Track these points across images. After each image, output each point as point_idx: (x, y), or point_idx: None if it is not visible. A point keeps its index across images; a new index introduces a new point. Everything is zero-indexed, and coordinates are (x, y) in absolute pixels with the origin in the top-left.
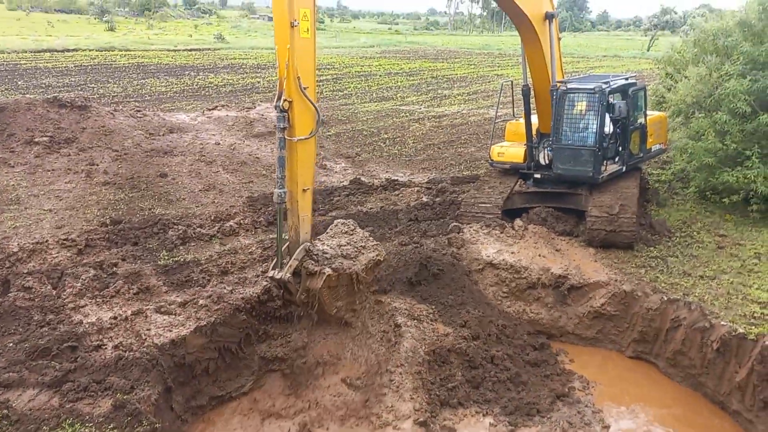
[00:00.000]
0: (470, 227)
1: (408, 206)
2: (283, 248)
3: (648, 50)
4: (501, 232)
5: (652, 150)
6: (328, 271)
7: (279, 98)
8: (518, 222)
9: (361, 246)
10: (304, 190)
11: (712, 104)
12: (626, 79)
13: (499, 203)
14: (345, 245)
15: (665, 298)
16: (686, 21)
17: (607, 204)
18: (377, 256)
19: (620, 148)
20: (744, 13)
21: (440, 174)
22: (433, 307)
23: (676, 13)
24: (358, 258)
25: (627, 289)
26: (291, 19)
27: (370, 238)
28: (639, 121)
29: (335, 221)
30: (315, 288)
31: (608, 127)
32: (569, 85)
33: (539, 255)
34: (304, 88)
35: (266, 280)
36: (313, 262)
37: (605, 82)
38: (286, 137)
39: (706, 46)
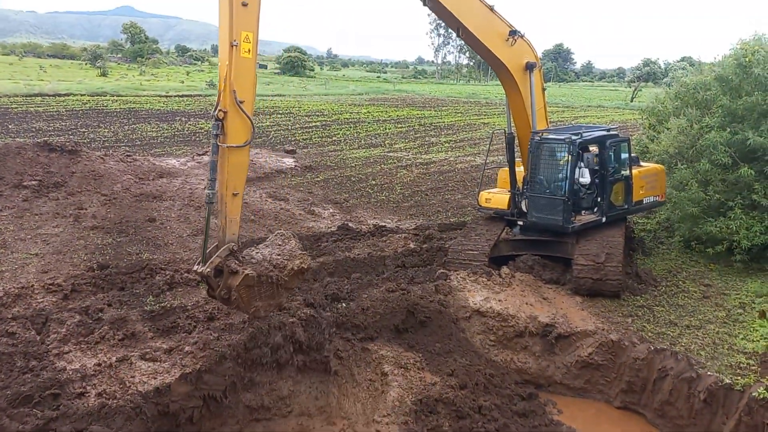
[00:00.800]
0: (457, 274)
1: (395, 252)
2: (210, 248)
3: (631, 101)
4: (488, 280)
5: (644, 202)
6: (248, 271)
7: (216, 108)
8: (505, 269)
9: (290, 255)
10: (233, 194)
11: (694, 155)
12: (607, 130)
13: (486, 250)
14: (275, 253)
15: (652, 348)
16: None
17: (593, 252)
18: (301, 263)
19: (599, 199)
20: (721, 69)
21: (427, 220)
22: (420, 355)
23: (657, 65)
24: (285, 264)
25: (614, 339)
26: (231, 39)
27: (300, 248)
28: (622, 173)
29: (275, 232)
30: (233, 286)
31: (585, 178)
32: (544, 135)
33: (526, 303)
34: (240, 102)
35: (191, 274)
36: (236, 261)
37: (577, 133)
38: (218, 144)
39: (687, 98)
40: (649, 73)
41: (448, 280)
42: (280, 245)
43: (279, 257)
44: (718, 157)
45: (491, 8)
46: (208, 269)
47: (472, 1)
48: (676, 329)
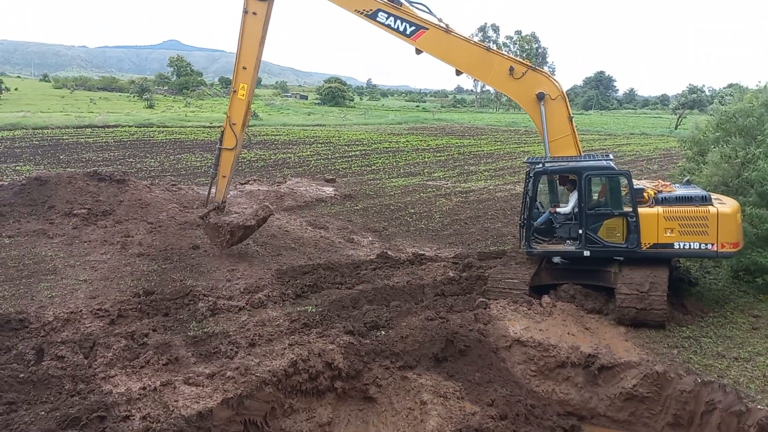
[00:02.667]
0: (497, 303)
1: (434, 281)
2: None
3: (676, 128)
4: (529, 309)
5: (677, 247)
6: (212, 220)
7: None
8: (546, 299)
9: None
10: (223, 176)
11: (739, 185)
12: (607, 160)
13: (526, 279)
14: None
15: (699, 380)
16: (714, 100)
17: (637, 281)
18: (264, 213)
19: (579, 231)
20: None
21: (467, 249)
22: (460, 384)
23: (703, 92)
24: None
25: (659, 370)
26: (233, 87)
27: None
28: (612, 209)
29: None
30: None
31: (565, 208)
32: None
33: (568, 333)
34: (233, 124)
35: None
36: (215, 214)
37: (540, 162)
38: (218, 147)
39: (729, 127)
40: (694, 101)
41: (488, 309)
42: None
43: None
44: (767, 190)
45: (487, 48)
46: (200, 215)
47: (462, 47)
48: (724, 361)
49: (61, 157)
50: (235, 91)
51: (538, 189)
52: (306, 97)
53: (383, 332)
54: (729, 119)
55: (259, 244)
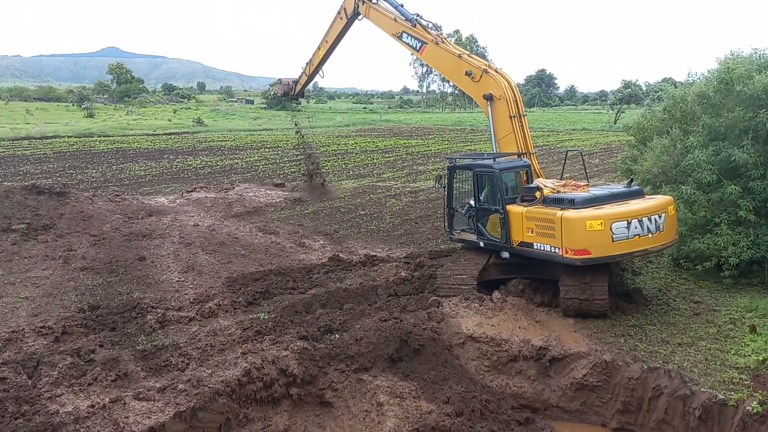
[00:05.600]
0: (450, 301)
1: (387, 281)
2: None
3: (615, 123)
4: (480, 305)
5: (536, 248)
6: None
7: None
8: (497, 294)
9: None
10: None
11: (678, 174)
12: (519, 156)
13: (474, 275)
14: None
15: (645, 367)
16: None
17: (579, 273)
18: None
19: (475, 223)
20: (703, 86)
21: (418, 248)
22: (416, 383)
23: (639, 87)
24: None
25: (608, 359)
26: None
27: None
28: (492, 206)
29: None
30: None
31: (472, 201)
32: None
33: (519, 327)
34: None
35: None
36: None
37: (452, 159)
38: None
39: (674, 112)
40: (630, 95)
41: (441, 307)
42: None
43: None
44: (703, 176)
45: (459, 55)
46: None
47: (444, 57)
48: (669, 347)
49: None
50: (319, 48)
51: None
52: (252, 102)
53: (337, 336)
54: (675, 104)
55: (208, 253)
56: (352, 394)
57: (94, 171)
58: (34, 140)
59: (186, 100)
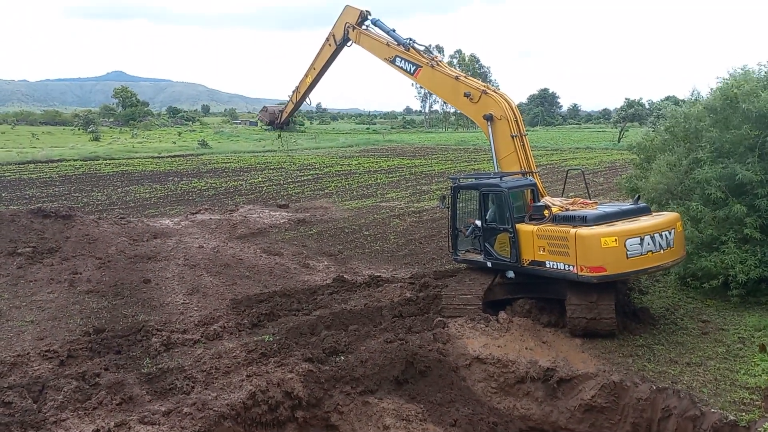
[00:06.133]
0: (455, 322)
1: (392, 302)
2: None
3: (618, 141)
4: (486, 326)
5: (548, 266)
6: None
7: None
8: (503, 315)
9: None
10: (286, 111)
11: (683, 192)
12: (524, 175)
13: (479, 295)
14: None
15: (654, 387)
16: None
17: (585, 292)
18: None
19: (482, 243)
20: (712, 99)
21: (423, 269)
22: (422, 406)
23: (642, 105)
24: None
25: (616, 380)
26: (306, 74)
27: None
28: (500, 225)
29: None
30: None
31: (479, 220)
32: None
33: (526, 348)
34: (297, 92)
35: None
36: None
37: (456, 179)
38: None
39: (677, 131)
40: (634, 114)
41: (446, 328)
42: None
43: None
44: (711, 192)
45: (456, 77)
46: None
47: (441, 79)
48: (677, 367)
49: (3, 194)
50: (306, 75)
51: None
52: (255, 124)
53: (343, 357)
54: (678, 122)
55: (212, 274)
56: (358, 417)
57: (99, 194)
58: (39, 164)
59: (190, 122)
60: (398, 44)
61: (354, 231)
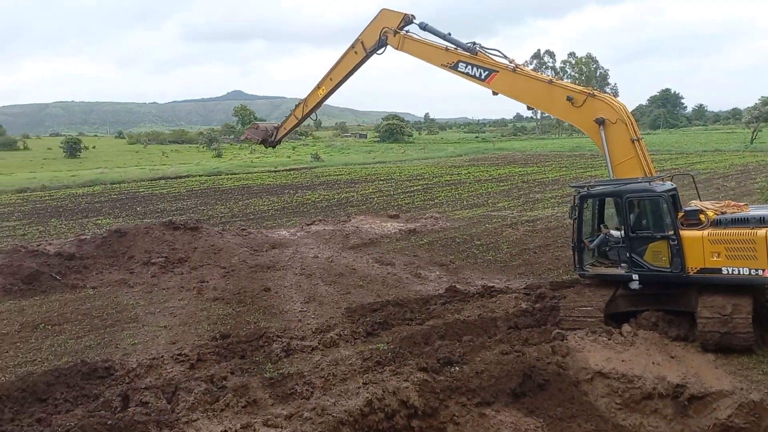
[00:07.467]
0: (575, 334)
1: (506, 313)
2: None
3: (751, 143)
4: (609, 339)
5: (724, 272)
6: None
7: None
8: (626, 327)
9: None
10: (283, 128)
11: None
12: (648, 182)
13: (601, 307)
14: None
15: None
16: None
17: (719, 304)
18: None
19: (627, 255)
20: None
21: (538, 279)
22: (541, 420)
23: None
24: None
25: (755, 399)
26: (318, 86)
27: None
28: (653, 232)
29: None
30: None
31: (616, 231)
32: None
33: (653, 362)
34: (306, 106)
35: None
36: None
37: (584, 186)
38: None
39: None
40: None
41: (566, 341)
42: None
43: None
44: None
45: (549, 81)
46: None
47: (527, 83)
48: None
49: (138, 208)
50: (318, 87)
51: (605, 212)
52: (365, 136)
53: (457, 368)
54: None
55: (327, 283)
56: (475, 429)
57: (222, 207)
58: (169, 180)
59: (303, 137)
60: (463, 49)
61: (465, 241)
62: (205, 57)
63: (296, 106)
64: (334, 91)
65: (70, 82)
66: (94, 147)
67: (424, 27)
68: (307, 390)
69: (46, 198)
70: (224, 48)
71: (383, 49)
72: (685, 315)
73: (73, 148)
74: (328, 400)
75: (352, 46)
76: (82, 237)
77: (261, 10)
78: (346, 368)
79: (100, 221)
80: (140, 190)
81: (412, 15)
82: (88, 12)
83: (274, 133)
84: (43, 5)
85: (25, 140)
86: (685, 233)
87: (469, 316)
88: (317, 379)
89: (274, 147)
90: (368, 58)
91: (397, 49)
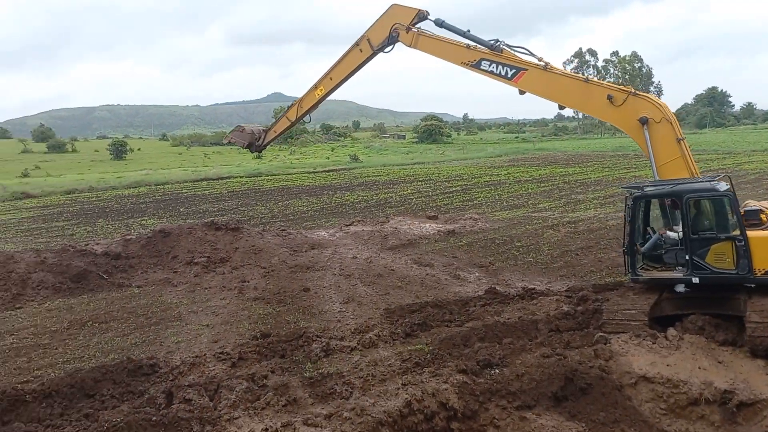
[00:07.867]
0: (619, 338)
1: (548, 316)
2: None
3: None
4: (653, 343)
5: None
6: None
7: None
8: (672, 331)
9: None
10: (273, 131)
11: None
12: (709, 182)
13: (645, 310)
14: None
15: None
16: None
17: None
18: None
19: (686, 257)
20: None
21: (580, 281)
22: (584, 424)
23: None
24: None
25: None
26: (316, 85)
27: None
28: (717, 233)
29: None
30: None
31: (673, 233)
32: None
33: (699, 367)
34: (300, 107)
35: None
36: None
37: (639, 187)
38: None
39: None
40: None
41: (609, 344)
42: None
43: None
44: None
45: (586, 80)
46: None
47: (561, 82)
48: None
49: (181, 209)
50: (316, 87)
51: (650, 214)
52: (404, 137)
53: (497, 370)
54: None
55: (366, 284)
56: None
57: (262, 207)
58: (211, 181)
59: (342, 138)
60: (486, 47)
61: (505, 242)
62: (247, 60)
63: (289, 107)
64: (333, 91)
65: (116, 86)
66: (139, 149)
67: (440, 24)
68: (346, 390)
69: (93, 199)
70: (265, 51)
71: (391, 47)
72: (732, 319)
73: (119, 151)
74: (367, 401)
75: (357, 44)
76: (128, 237)
77: (301, 12)
78: (385, 369)
79: (144, 222)
80: (183, 191)
81: (426, 11)
82: (136, 17)
83: (262, 137)
84: (92, 11)
85: (74, 143)
86: (752, 234)
87: (509, 319)
88: (356, 379)
89: (260, 152)
90: (374, 57)
91: (409, 46)
